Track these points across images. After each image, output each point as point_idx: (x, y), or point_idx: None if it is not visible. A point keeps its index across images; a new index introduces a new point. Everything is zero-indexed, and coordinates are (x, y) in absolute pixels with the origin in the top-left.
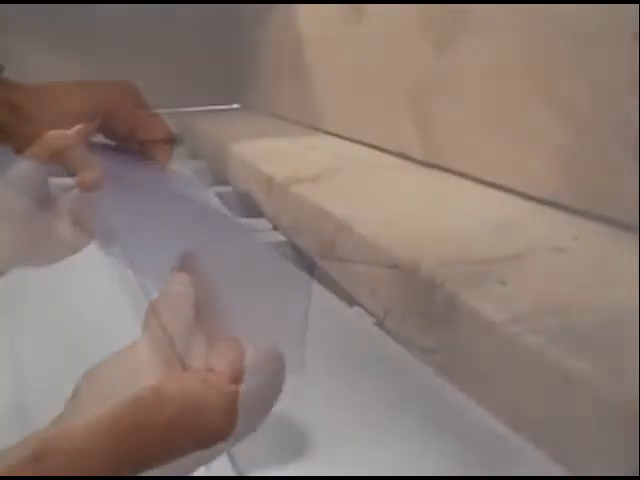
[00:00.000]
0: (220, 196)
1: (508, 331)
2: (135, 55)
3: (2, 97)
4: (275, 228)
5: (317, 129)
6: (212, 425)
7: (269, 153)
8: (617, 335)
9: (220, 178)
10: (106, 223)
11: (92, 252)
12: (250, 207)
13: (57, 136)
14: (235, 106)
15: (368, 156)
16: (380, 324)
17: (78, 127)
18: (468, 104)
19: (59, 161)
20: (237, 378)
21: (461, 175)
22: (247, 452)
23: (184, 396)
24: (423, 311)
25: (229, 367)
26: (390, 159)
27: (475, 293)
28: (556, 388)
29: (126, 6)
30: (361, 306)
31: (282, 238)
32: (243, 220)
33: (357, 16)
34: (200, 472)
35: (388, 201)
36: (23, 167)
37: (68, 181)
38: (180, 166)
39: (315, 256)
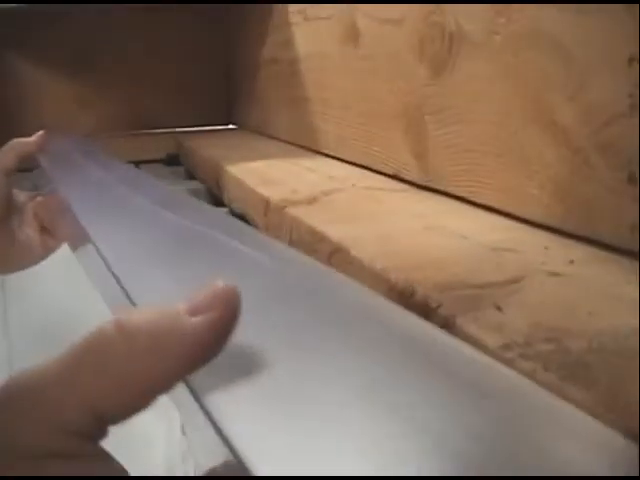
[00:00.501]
0: None
1: (502, 356)
2: (132, 76)
3: None
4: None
5: (314, 151)
6: (179, 355)
7: (265, 174)
8: (614, 361)
9: (216, 199)
10: (78, 225)
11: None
12: None
13: (22, 142)
14: (231, 126)
15: (365, 178)
16: None
17: (41, 132)
18: (464, 127)
19: (25, 165)
20: (195, 311)
21: (457, 198)
22: (204, 381)
23: (148, 328)
24: None
25: (187, 301)
26: (387, 182)
27: (470, 318)
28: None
29: (124, 26)
30: None
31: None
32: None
33: (353, 37)
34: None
35: (384, 224)
36: None
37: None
38: (176, 186)
39: None
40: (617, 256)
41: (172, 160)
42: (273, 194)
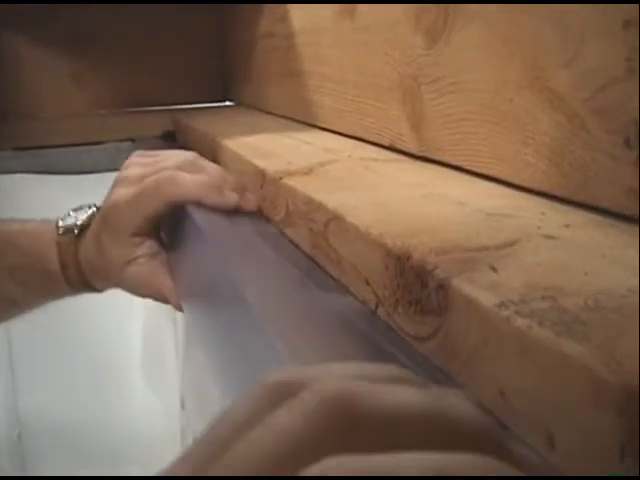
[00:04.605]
0: None
1: (499, 315)
2: (128, 53)
3: None
4: (268, 220)
5: (310, 125)
6: None
7: (261, 148)
8: (611, 318)
9: None
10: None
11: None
12: None
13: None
14: (228, 103)
15: (361, 149)
16: (373, 313)
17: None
18: (460, 96)
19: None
20: None
21: (454, 167)
22: None
23: None
24: (415, 299)
25: None
26: (383, 152)
27: (466, 278)
28: (548, 370)
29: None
30: (354, 296)
31: (274, 230)
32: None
33: (350, 10)
34: None
35: (380, 192)
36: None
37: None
38: None
39: (307, 247)
40: (614, 221)
41: (169, 137)
42: (269, 166)
